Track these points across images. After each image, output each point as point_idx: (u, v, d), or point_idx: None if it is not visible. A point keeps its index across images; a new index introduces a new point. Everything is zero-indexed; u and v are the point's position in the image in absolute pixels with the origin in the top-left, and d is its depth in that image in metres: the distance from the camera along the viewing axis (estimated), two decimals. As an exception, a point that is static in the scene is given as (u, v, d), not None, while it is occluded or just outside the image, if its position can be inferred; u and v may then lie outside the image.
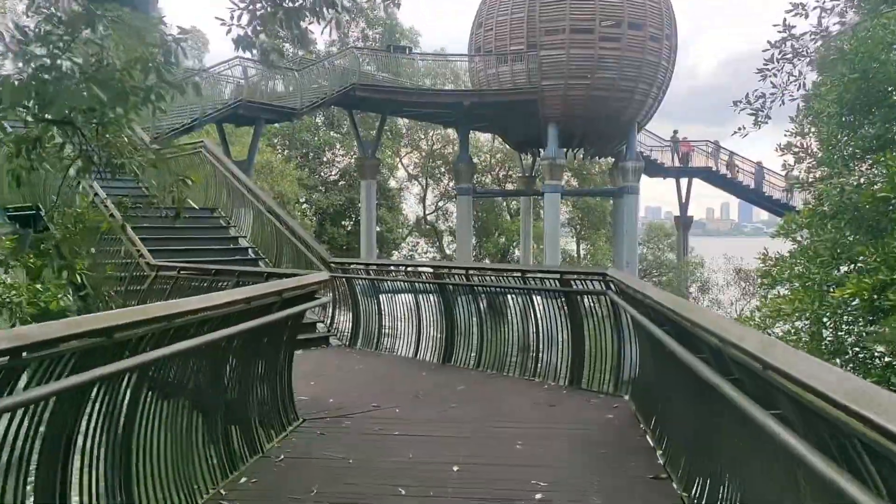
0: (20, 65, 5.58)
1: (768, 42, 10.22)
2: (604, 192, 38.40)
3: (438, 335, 10.01)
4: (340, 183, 46.66)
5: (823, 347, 11.41)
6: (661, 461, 5.37)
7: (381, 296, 10.83)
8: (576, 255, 48.80)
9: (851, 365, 11.30)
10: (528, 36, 27.12)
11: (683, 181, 36.41)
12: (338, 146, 47.45)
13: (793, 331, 11.84)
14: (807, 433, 2.38)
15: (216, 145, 14.69)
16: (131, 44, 5.66)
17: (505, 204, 49.94)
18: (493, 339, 9.40)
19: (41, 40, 5.43)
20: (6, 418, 2.96)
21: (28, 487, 3.16)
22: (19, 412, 3.01)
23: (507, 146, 40.67)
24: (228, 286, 7.89)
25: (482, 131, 37.47)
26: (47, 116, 5.47)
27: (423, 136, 51.01)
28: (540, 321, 8.80)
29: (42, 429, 3.20)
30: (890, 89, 10.49)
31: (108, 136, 5.99)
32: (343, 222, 45.52)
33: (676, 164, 35.29)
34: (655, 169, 34.67)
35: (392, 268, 10.86)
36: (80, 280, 6.75)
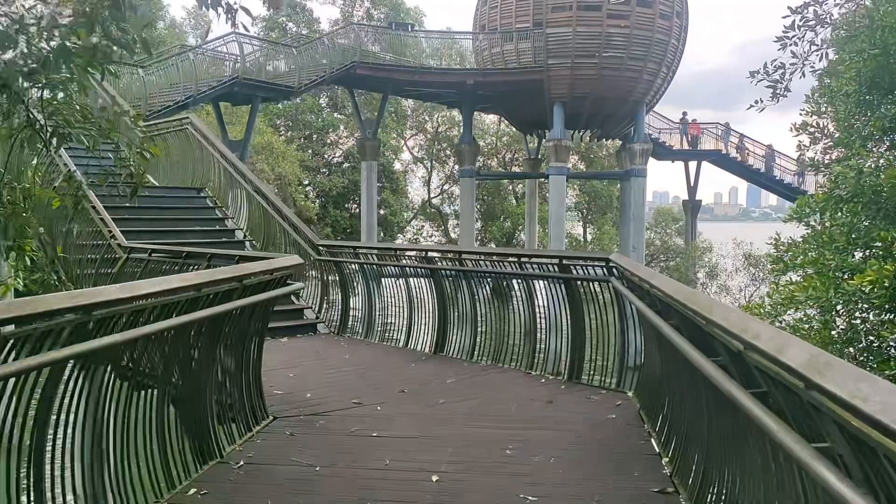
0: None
1: (789, 8, 9.45)
2: (611, 174, 37.66)
3: (431, 323, 9.41)
4: (345, 165, 46.00)
5: (836, 336, 10.88)
6: (667, 470, 4.75)
7: (371, 281, 10.22)
8: (582, 240, 48.14)
9: (865, 354, 10.77)
10: (535, 13, 26.28)
11: (692, 164, 35.59)
12: (342, 128, 46.76)
13: (805, 318, 11.35)
14: (867, 480, 1.75)
15: (205, 124, 14.02)
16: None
17: (511, 187, 49.24)
18: (487, 328, 8.79)
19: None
20: None
21: None
22: None
23: (513, 128, 39.91)
24: (200, 270, 7.28)
25: (486, 112, 36.65)
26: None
27: (428, 119, 50.29)
28: (538, 309, 8.17)
29: None
30: (913, 65, 9.80)
31: (54, 103, 5.36)
32: (346, 205, 44.88)
33: (685, 146, 34.46)
34: (664, 151, 33.85)
35: (383, 251, 10.22)
36: (29, 262, 6.15)
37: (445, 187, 50.73)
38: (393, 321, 10.03)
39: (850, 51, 10.92)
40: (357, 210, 42.24)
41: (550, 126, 27.32)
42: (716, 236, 37.30)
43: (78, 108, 5.70)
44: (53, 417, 3.42)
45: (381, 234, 45.92)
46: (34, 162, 6.18)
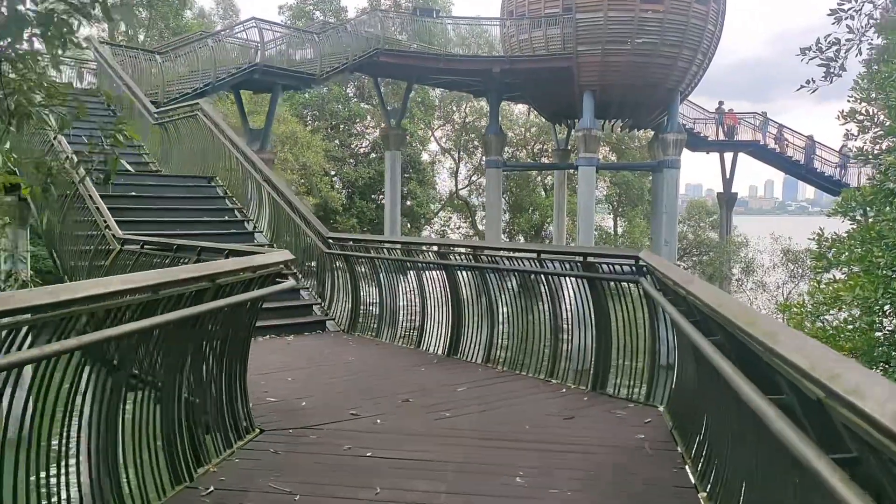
0: None
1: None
2: (642, 166, 36.60)
3: (444, 323, 8.72)
4: (371, 156, 45.48)
5: (882, 338, 10.15)
6: (705, 510, 4.02)
7: (382, 277, 9.57)
8: (612, 233, 47.09)
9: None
10: (564, -3, 25.37)
11: (728, 156, 34.37)
12: (369, 118, 46.18)
13: (851, 319, 10.60)
14: None
15: (219, 112, 13.46)
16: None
17: (539, 179, 48.34)
18: (504, 329, 8.08)
19: None
20: None
21: None
22: None
23: (542, 119, 38.98)
24: (189, 263, 6.69)
25: (514, 101, 35.76)
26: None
27: (455, 109, 49.54)
28: (559, 312, 7.44)
29: None
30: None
31: (11, 75, 4.76)
32: (373, 196, 44.32)
33: (721, 137, 33.25)
34: (698, 142, 32.68)
35: (394, 245, 9.55)
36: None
37: (473, 178, 50.00)
38: (405, 319, 9.36)
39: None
40: (382, 201, 41.66)
41: (580, 115, 26.41)
42: (751, 230, 36.09)
43: (45, 85, 5.09)
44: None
45: (408, 226, 45.34)
46: (6, 146, 5.59)
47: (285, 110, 38.16)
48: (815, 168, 32.38)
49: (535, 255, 7.40)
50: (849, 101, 11.30)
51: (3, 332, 2.85)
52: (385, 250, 9.53)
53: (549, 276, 7.34)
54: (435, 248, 8.81)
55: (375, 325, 9.66)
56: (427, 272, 8.93)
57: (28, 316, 3.01)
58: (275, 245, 11.42)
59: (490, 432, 5.50)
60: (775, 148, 32.92)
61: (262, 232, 11.72)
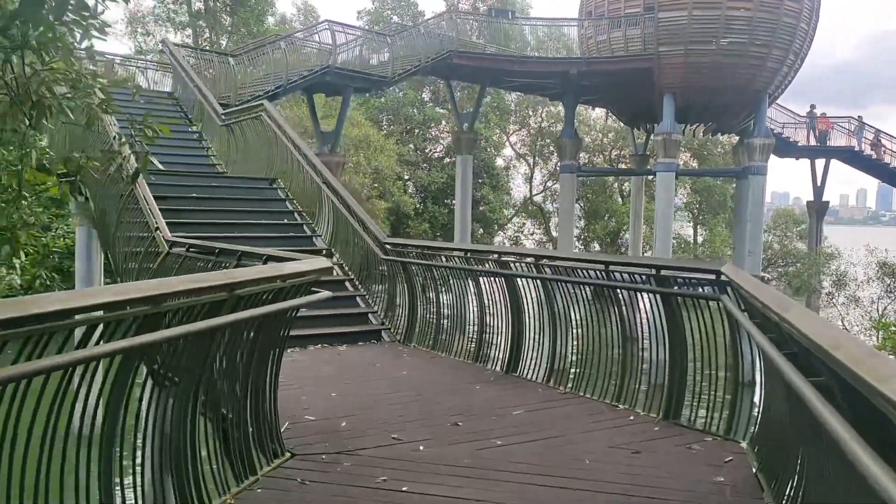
0: None
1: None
2: (726, 172, 34.97)
3: (503, 337, 8.11)
4: (445, 160, 45.19)
5: None
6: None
7: (439, 285, 9.03)
8: (692, 241, 45.33)
9: None
10: (646, -4, 24.34)
11: (819, 162, 32.40)
12: (443, 122, 45.90)
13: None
14: None
15: (281, 114, 13.24)
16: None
17: (616, 185, 47.01)
18: (568, 346, 7.41)
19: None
20: None
21: None
22: None
23: (620, 123, 37.80)
24: (229, 268, 6.32)
25: (591, 104, 34.75)
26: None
27: (531, 114, 48.76)
28: (629, 329, 6.72)
29: None
30: None
31: (28, 65, 4.44)
32: (446, 200, 43.95)
33: (812, 142, 31.36)
34: (787, 148, 30.90)
35: (454, 253, 8.99)
36: (23, 256, 5.31)
37: (548, 184, 49.08)
38: (463, 331, 8.79)
39: None
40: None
41: (659, 119, 25.28)
42: (842, 241, 33.92)
43: (73, 74, 4.76)
44: None
45: (480, 231, 44.80)
46: (43, 143, 5.32)
47: (360, 114, 38.23)
48: (917, 176, 30.19)
49: (602, 267, 6.70)
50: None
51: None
52: (443, 258, 8.98)
53: (619, 290, 6.63)
54: (494, 255, 8.19)
55: (432, 337, 9.12)
56: (486, 282, 8.34)
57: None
58: (333, 250, 11.07)
59: (543, 467, 4.86)
60: (871, 154, 30.85)
61: (321, 236, 11.37)
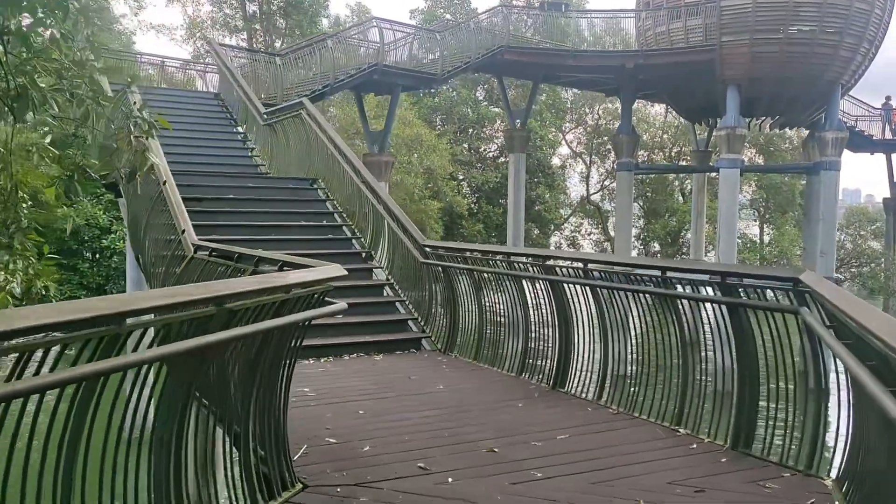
0: None
1: None
2: (795, 167, 33.34)
3: (550, 349, 7.41)
4: (500, 160, 44.47)
5: None
6: None
7: (482, 290, 8.39)
8: (758, 241, 43.53)
9: None
10: (707, -16, 23.17)
11: (896, 157, 30.57)
12: (498, 121, 45.17)
13: None
14: None
15: (320, 111, 12.80)
16: None
17: (677, 183, 45.53)
18: (622, 361, 6.67)
19: None
20: None
21: None
22: None
23: (680, 119, 36.45)
24: (245, 274, 5.82)
25: (649, 100, 33.51)
26: None
27: (588, 111, 47.65)
28: (689, 344, 5.96)
29: None
30: None
31: (10, 54, 3.98)
32: (501, 200, 43.22)
33: (888, 136, 29.53)
34: (862, 142, 29.17)
35: (496, 256, 8.32)
36: (20, 264, 4.90)
37: (606, 183, 47.88)
38: (507, 341, 8.12)
39: None
40: (510, 205, 40.41)
41: (722, 113, 24.04)
42: (922, 240, 31.90)
43: (61, 61, 4.29)
44: None
45: (535, 232, 43.90)
46: (46, 140, 4.91)
47: (412, 114, 37.81)
48: None
49: (659, 272, 5.94)
50: None
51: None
52: (484, 262, 8.33)
53: (677, 300, 5.88)
54: (538, 259, 7.50)
55: (474, 346, 8.49)
56: (531, 287, 7.65)
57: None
58: (373, 252, 10.54)
59: (590, 508, 4.18)
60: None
61: (361, 238, 10.86)
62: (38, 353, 2.59)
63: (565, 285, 7.07)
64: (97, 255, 25.45)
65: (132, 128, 4.54)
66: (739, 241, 32.59)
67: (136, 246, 10.35)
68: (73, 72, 4.21)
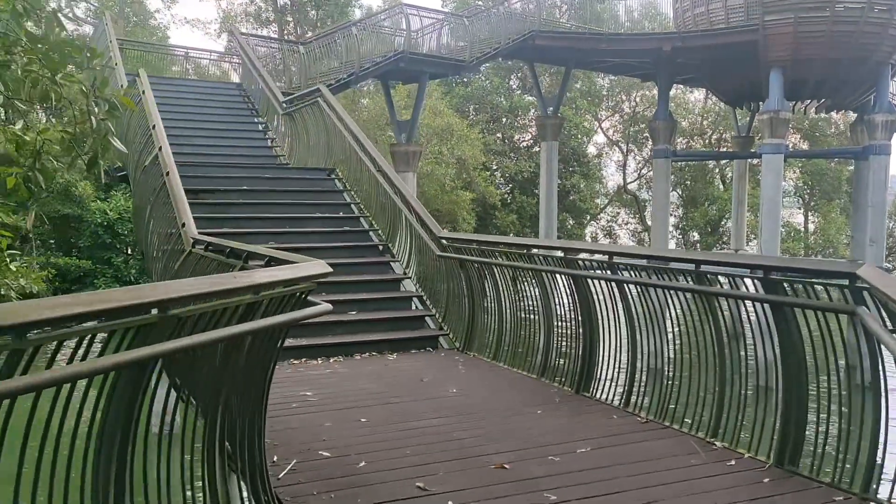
0: None
1: None
2: (842, 152, 31.97)
3: (573, 349, 6.81)
4: (534, 149, 43.63)
5: None
6: None
7: (501, 285, 7.81)
8: (802, 230, 42.04)
9: None
10: (748, -39, 22.12)
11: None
12: (532, 110, 44.32)
13: None
14: None
15: (336, 99, 12.29)
16: None
17: (717, 170, 44.17)
18: (652, 364, 6.05)
19: None
20: None
21: None
22: None
23: (720, 104, 35.25)
24: (235, 270, 5.34)
25: (687, 84, 32.38)
26: None
27: (625, 98, 46.47)
28: (726, 346, 5.32)
29: None
30: None
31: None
32: (535, 190, 42.43)
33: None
34: (913, 125, 27.73)
35: (516, 249, 7.71)
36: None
37: (643, 171, 46.71)
38: (528, 339, 7.53)
39: None
40: (544, 195, 39.60)
41: (765, 96, 22.96)
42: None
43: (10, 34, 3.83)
44: None
45: (570, 222, 43.01)
46: (16, 125, 4.48)
47: (443, 104, 37.19)
48: None
49: (693, 266, 5.29)
50: None
51: None
52: (503, 255, 7.74)
53: (713, 297, 5.23)
54: (559, 252, 6.89)
55: (494, 345, 7.92)
56: (553, 282, 7.05)
57: None
58: (390, 245, 10.02)
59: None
60: None
61: (378, 230, 10.35)
62: None
63: (589, 280, 6.46)
64: (130, 250, 25.46)
65: (95, 108, 4.06)
66: (783, 229, 31.42)
67: (139, 240, 10.00)
68: (24, 46, 3.76)
